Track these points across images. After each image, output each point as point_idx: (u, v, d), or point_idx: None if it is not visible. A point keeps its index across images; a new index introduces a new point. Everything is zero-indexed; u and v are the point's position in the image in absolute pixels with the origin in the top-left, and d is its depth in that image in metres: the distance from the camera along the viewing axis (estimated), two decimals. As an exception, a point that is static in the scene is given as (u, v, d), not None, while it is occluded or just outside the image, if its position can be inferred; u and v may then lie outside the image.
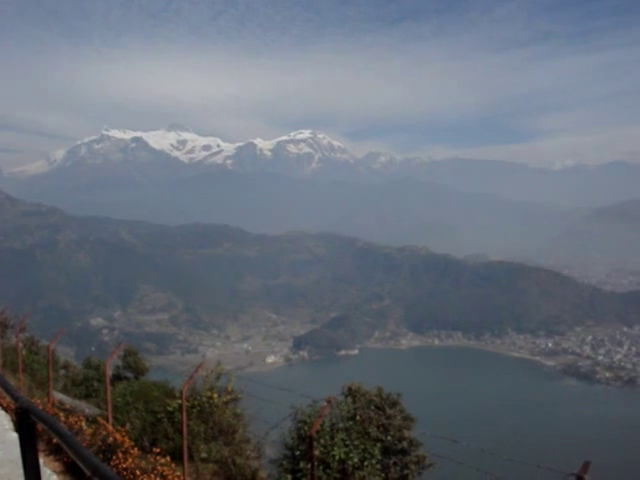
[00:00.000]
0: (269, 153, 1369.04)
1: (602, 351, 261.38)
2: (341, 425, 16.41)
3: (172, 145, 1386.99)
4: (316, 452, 14.81)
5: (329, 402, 14.85)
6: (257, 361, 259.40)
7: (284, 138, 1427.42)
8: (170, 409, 19.95)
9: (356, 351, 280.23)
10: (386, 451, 17.02)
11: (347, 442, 15.48)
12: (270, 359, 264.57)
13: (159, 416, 20.37)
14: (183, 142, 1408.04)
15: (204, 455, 19.24)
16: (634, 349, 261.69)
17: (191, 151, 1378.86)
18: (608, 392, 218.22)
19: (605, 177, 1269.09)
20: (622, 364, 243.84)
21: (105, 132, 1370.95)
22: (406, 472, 17.37)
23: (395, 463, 17.21)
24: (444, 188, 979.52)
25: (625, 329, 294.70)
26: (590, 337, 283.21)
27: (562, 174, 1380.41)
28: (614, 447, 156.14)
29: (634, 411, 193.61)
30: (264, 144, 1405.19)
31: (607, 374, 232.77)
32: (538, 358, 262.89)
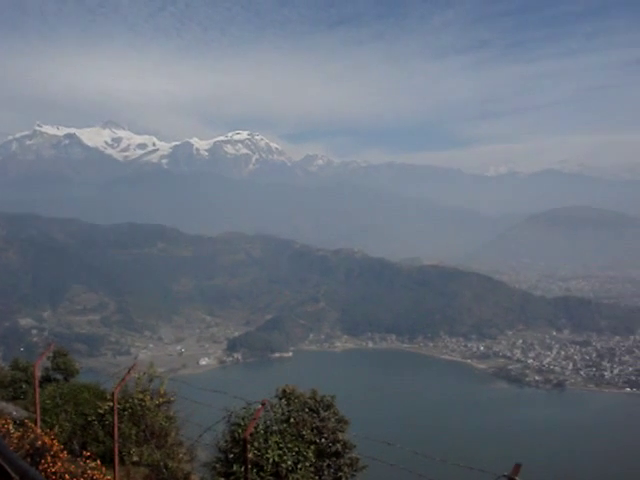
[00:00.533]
0: (206, 153, 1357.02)
1: (532, 354, 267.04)
2: (275, 428, 16.33)
3: (106, 143, 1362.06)
4: (250, 455, 14.70)
5: (263, 405, 14.75)
6: (190, 363, 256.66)
7: (221, 138, 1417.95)
8: (101, 412, 19.58)
9: (290, 353, 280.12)
10: (320, 454, 16.99)
11: (281, 445, 15.41)
12: (204, 361, 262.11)
13: (89, 419, 19.97)
14: (118, 140, 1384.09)
15: (135, 458, 18.95)
16: (563, 353, 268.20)
17: (126, 149, 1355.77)
18: (538, 395, 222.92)
19: (537, 184, 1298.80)
20: (551, 367, 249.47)
21: (38, 128, 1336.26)
22: (340, 474, 17.36)
23: (329, 465, 17.19)
24: (380, 192, 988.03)
25: (554, 333, 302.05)
26: (520, 341, 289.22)
27: (495, 181, 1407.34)
28: (544, 449, 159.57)
29: (563, 413, 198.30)
30: (201, 144, 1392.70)
31: (537, 377, 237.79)
32: (470, 361, 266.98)
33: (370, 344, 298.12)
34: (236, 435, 15.81)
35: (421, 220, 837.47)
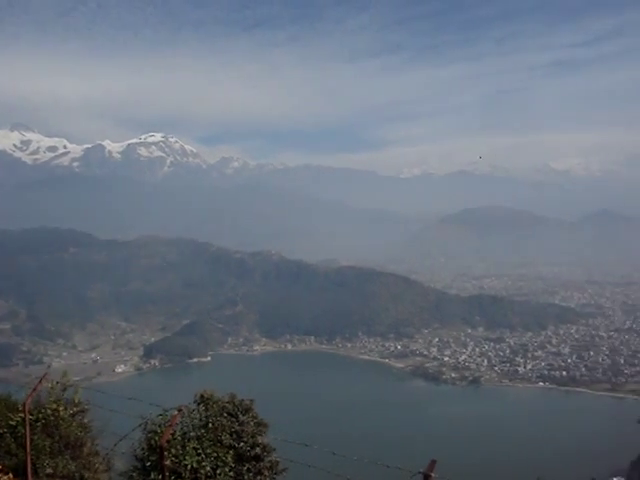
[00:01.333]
0: (119, 156, 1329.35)
1: (448, 352, 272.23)
2: (193, 434, 16.14)
3: (15, 145, 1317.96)
4: (167, 462, 14.48)
5: (180, 411, 14.55)
6: (106, 371, 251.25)
7: (135, 141, 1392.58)
8: (12, 423, 18.94)
9: (209, 358, 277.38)
10: (239, 458, 16.89)
11: (199, 451, 15.23)
12: (119, 368, 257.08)
13: (0, 431, 19.32)
14: (27, 142, 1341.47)
15: (50, 471, 18.42)
16: (478, 350, 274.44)
17: (35, 152, 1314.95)
18: (454, 391, 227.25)
19: (450, 185, 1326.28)
20: (467, 364, 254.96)
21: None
22: (260, 478, 17.30)
23: (249, 469, 17.11)
24: (297, 194, 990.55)
25: (469, 331, 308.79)
26: (437, 339, 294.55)
27: (410, 182, 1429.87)
28: (460, 444, 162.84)
29: (478, 409, 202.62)
30: (113, 146, 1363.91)
31: (453, 374, 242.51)
32: (388, 360, 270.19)
33: (289, 346, 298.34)
34: (153, 443, 15.54)
35: (338, 222, 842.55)
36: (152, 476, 15.19)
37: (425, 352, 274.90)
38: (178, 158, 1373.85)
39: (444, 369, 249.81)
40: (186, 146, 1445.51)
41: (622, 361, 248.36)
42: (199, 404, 17.60)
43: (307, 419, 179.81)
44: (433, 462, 10.97)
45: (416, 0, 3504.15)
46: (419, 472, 10.81)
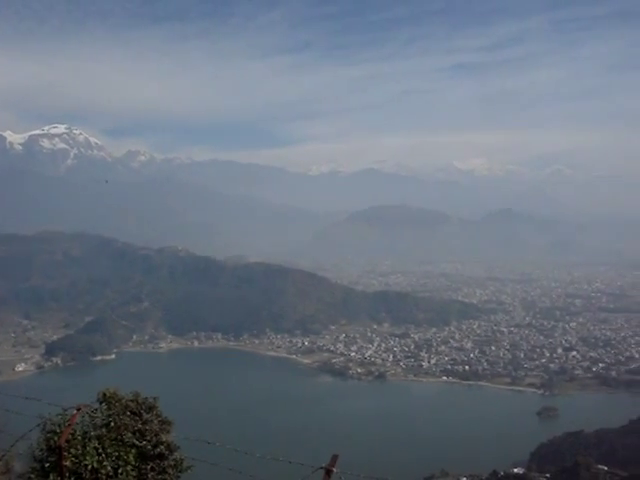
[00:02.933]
0: (20, 147, 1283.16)
1: (354, 348, 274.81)
2: (94, 433, 15.75)
3: None
4: (67, 463, 14.10)
5: (79, 410, 14.17)
6: (5, 370, 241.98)
7: (37, 132, 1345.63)
8: None
9: (113, 356, 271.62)
10: (143, 457, 16.56)
11: (100, 450, 14.89)
12: (20, 367, 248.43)
13: None
14: None
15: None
16: (383, 345, 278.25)
17: None
18: (360, 386, 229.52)
19: (357, 183, 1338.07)
20: (373, 360, 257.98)
21: None
22: (164, 477, 17.01)
23: (152, 468, 16.79)
24: (205, 189, 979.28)
25: (375, 326, 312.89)
26: (343, 335, 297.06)
27: (318, 179, 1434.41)
28: (365, 439, 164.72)
29: (383, 404, 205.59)
30: (14, 137, 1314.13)
31: (359, 370, 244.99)
32: (295, 356, 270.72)
33: (196, 343, 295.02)
34: (51, 443, 15.09)
35: (246, 218, 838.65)
36: (51, 477, 14.75)
37: (332, 348, 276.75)
38: (82, 151, 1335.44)
39: (350, 364, 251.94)
40: (91, 138, 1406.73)
41: (522, 355, 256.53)
42: (101, 403, 17.19)
43: (214, 416, 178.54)
44: (335, 457, 11.02)
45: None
46: (321, 467, 10.85)
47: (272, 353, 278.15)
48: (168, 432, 17.45)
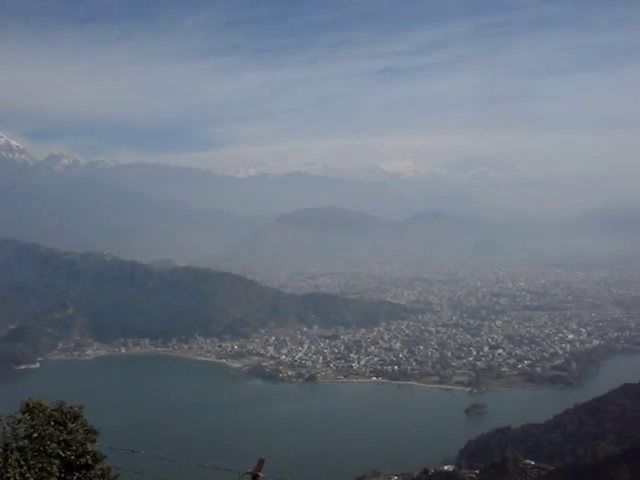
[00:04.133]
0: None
1: (284, 351, 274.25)
2: (15, 445, 15.07)
3: None
4: (-13, 477, 13.45)
5: (-1, 421, 13.55)
6: None
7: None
8: None
9: (37, 364, 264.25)
10: (68, 467, 15.98)
11: (22, 463, 14.23)
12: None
13: None
14: None
15: None
16: (313, 347, 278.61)
17: None
18: (291, 389, 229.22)
19: (285, 186, 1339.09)
20: (303, 362, 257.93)
21: None
22: (90, 487, 16.42)
23: (79, 479, 16.22)
24: (130, 193, 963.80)
25: (305, 329, 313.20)
26: (273, 338, 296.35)
27: (246, 182, 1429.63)
28: (295, 442, 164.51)
29: (313, 406, 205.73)
30: None
31: (289, 372, 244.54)
32: (225, 361, 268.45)
33: (123, 350, 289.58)
34: (-30, 456, 14.37)
35: (173, 221, 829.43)
36: (-31, 493, 14.05)
37: (262, 351, 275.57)
38: (3, 154, 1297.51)
39: (281, 368, 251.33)
40: (12, 141, 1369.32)
41: (449, 354, 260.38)
42: (24, 413, 16.49)
43: (140, 424, 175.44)
44: (261, 461, 10.82)
45: (253, 2, 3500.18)
46: (247, 472, 10.60)
47: (201, 358, 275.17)
48: (94, 442, 16.92)
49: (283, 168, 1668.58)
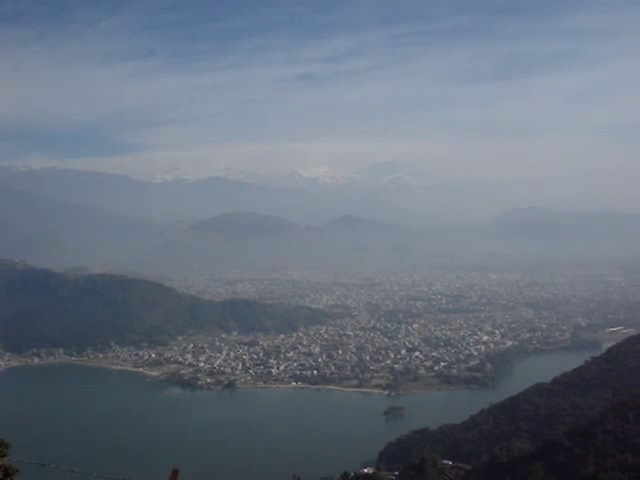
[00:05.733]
0: None
1: (203, 358, 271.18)
2: None
3: None
4: None
5: None
6: None
7: None
8: None
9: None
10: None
11: None
12: None
13: None
14: None
15: None
16: (232, 354, 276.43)
17: None
18: (209, 397, 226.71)
19: (203, 191, 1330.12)
20: (222, 369, 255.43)
21: None
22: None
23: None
24: (43, 199, 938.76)
25: (223, 335, 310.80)
26: (191, 345, 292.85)
27: (163, 188, 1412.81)
28: (214, 449, 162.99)
29: (233, 413, 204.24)
30: None
31: (208, 379, 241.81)
32: (142, 369, 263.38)
33: (36, 360, 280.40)
34: None
35: (88, 228, 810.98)
36: None
37: (180, 359, 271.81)
38: None
39: (199, 375, 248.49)
40: None
41: (368, 358, 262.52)
42: None
43: (53, 437, 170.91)
44: (176, 471, 10.62)
45: (169, 7, 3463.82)
46: None
47: (118, 367, 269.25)
48: (5, 455, 16.29)
49: (201, 173, 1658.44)
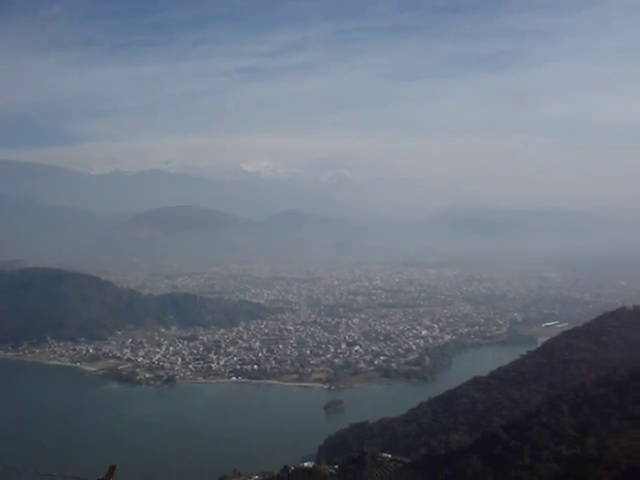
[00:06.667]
0: None
1: (142, 353, 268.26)
2: None
3: None
4: None
5: None
6: None
7: None
8: None
9: None
10: None
11: None
12: None
13: None
14: None
15: None
16: (172, 348, 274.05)
17: None
18: (148, 392, 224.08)
19: (143, 184, 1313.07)
20: (161, 364, 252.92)
21: None
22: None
23: None
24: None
25: (163, 330, 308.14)
26: (130, 340, 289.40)
27: (102, 180, 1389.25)
28: (152, 445, 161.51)
29: (172, 408, 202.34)
30: None
31: (147, 375, 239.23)
32: (79, 364, 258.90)
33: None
34: None
35: (24, 220, 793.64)
36: None
37: (118, 354, 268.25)
38: None
39: (138, 370, 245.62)
40: None
41: (308, 352, 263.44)
42: None
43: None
44: (112, 468, 10.66)
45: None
46: (97, 479, 10.41)
47: (55, 362, 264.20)
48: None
49: (141, 166, 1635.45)
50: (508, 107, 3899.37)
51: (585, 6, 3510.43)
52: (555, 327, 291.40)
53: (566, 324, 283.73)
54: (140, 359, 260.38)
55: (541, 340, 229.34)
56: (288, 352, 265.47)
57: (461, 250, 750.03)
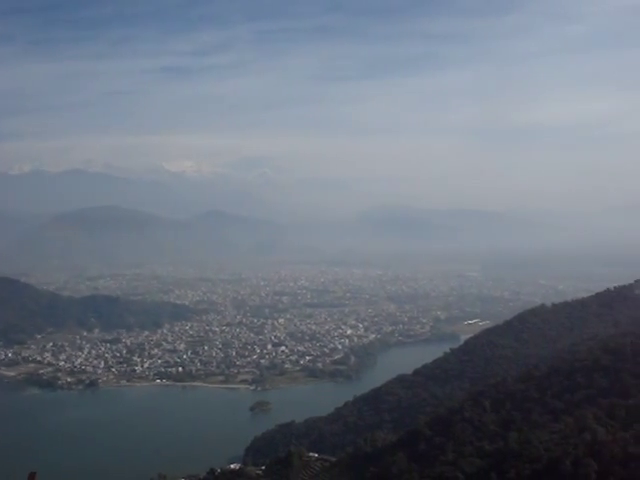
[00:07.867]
0: None
1: (63, 357, 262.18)
2: None
3: None
4: None
5: None
6: None
7: None
8: None
9: None
10: None
11: None
12: None
13: None
14: None
15: None
16: (94, 352, 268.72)
17: None
18: (69, 397, 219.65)
19: (63, 184, 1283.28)
20: (83, 368, 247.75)
21: None
22: None
23: None
24: None
25: (85, 333, 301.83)
26: (51, 344, 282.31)
27: (21, 179, 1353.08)
28: (73, 451, 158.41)
29: (94, 412, 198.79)
30: None
31: (69, 379, 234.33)
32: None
33: None
34: None
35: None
36: None
37: (39, 358, 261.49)
38: None
39: (59, 374, 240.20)
40: None
41: (234, 353, 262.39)
42: None
43: None
44: (32, 475, 10.60)
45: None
46: None
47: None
48: None
49: (61, 165, 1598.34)
50: (429, 109, 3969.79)
51: (505, 11, 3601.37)
52: (477, 325, 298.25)
53: (487, 322, 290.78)
54: (61, 363, 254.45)
55: (463, 338, 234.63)
56: (213, 354, 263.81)
57: (385, 250, 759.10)
